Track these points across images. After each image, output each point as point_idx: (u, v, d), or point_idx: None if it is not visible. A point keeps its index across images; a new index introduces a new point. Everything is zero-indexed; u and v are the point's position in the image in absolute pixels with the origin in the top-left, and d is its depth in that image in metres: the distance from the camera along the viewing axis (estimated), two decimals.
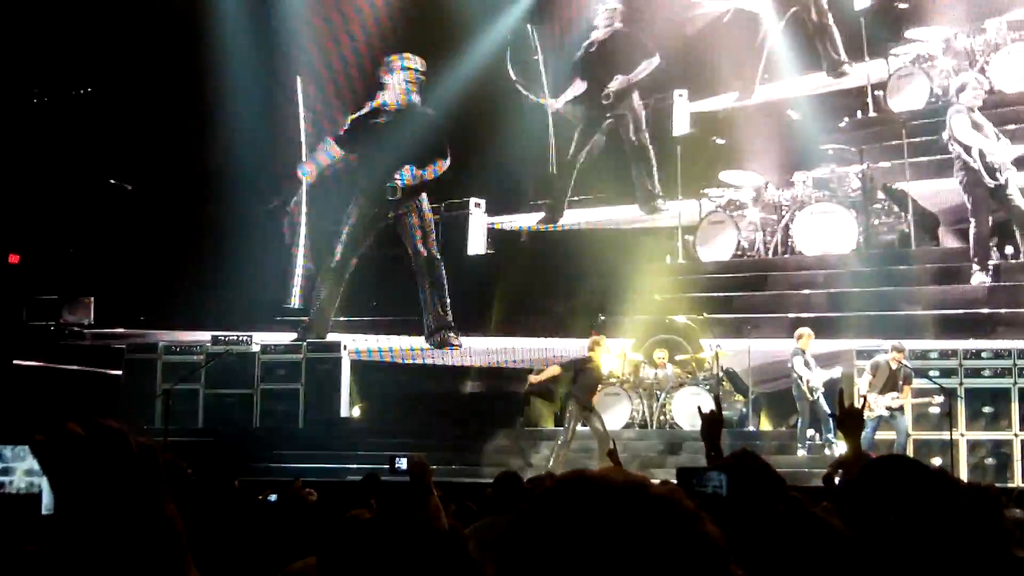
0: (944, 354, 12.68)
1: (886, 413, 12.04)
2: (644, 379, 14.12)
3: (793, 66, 17.01)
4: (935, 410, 12.35)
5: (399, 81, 17.28)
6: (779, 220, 15.35)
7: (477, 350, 16.41)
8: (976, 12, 15.88)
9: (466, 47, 17.82)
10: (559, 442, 12.37)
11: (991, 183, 13.55)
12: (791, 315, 14.30)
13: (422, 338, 16.84)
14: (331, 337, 16.46)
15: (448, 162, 17.19)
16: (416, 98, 17.35)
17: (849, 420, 3.66)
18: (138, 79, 18.15)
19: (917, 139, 15.04)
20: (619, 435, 12.52)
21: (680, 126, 17.48)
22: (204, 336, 15.90)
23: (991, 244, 13.89)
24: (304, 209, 18.44)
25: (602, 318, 14.76)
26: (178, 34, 17.89)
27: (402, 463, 3.86)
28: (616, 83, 17.46)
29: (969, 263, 13.87)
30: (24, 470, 6.90)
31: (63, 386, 15.76)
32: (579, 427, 12.31)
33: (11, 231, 17.66)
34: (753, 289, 15.24)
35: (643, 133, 17.53)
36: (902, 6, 16.48)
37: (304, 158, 18.56)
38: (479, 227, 17.87)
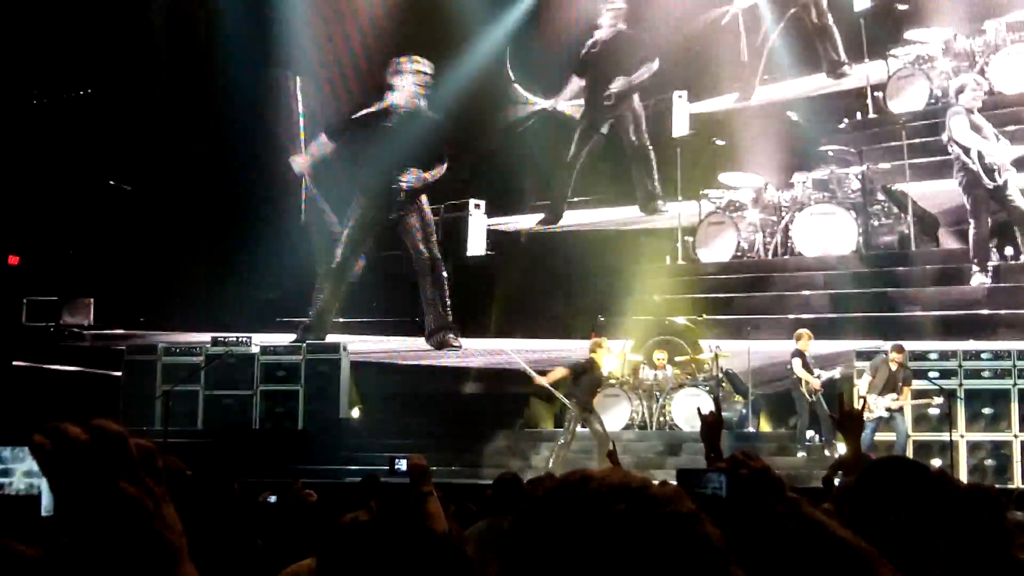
0: (944, 355, 12.68)
1: (886, 414, 12.04)
2: (644, 380, 14.11)
3: (793, 67, 17.03)
4: (935, 411, 12.35)
5: (409, 84, 17.27)
6: (779, 221, 15.35)
7: (479, 350, 16.41)
8: (975, 13, 15.89)
9: (466, 47, 17.82)
10: (559, 443, 12.37)
11: (990, 184, 13.57)
12: (791, 316, 14.32)
13: (422, 339, 16.85)
14: (331, 338, 16.46)
15: (446, 166, 17.21)
16: (424, 102, 17.36)
17: (849, 421, 3.66)
18: (137, 80, 18.17)
19: (917, 140, 15.06)
20: (619, 436, 12.52)
21: (680, 127, 17.49)
22: (204, 337, 15.89)
23: (991, 245, 13.90)
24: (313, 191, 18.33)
25: (602, 319, 14.74)
26: (177, 35, 17.91)
27: (402, 464, 3.86)
28: (618, 84, 17.47)
29: (969, 264, 13.88)
30: (23, 471, 6.89)
31: (62, 387, 15.75)
32: (579, 428, 12.31)
33: (11, 232, 17.65)
34: (753, 290, 15.24)
35: (643, 134, 17.54)
36: (902, 7, 16.49)
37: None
38: (479, 228, 17.86)
